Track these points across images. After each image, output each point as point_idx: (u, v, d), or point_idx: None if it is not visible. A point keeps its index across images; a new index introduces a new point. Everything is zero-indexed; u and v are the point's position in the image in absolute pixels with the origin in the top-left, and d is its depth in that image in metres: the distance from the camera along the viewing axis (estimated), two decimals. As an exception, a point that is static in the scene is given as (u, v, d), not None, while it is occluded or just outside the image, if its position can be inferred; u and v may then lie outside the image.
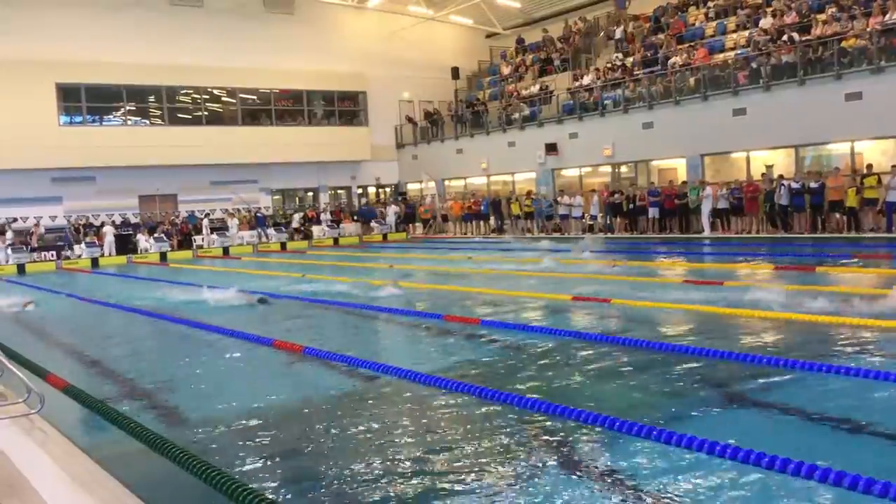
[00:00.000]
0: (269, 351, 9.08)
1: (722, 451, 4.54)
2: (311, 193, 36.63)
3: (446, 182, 35.80)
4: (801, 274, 13.31)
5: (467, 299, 12.41)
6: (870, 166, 20.01)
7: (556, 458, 5.02)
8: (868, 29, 20.96)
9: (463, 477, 4.79)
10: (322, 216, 33.39)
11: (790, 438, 5.21)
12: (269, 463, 5.29)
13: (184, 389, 7.75)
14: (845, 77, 21.05)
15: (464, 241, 28.98)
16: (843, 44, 21.29)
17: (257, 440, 5.84)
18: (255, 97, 34.14)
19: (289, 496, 4.73)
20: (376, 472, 4.96)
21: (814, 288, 11.20)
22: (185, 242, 29.79)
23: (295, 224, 32.86)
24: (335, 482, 4.82)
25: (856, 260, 15.07)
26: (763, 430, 5.45)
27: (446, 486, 4.67)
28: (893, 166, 19.44)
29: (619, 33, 31.13)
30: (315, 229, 32.49)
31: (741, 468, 4.41)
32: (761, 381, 6.62)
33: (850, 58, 21.08)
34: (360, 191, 37.41)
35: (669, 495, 4.31)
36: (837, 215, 20.40)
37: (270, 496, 4.27)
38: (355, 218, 34.28)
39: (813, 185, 20.45)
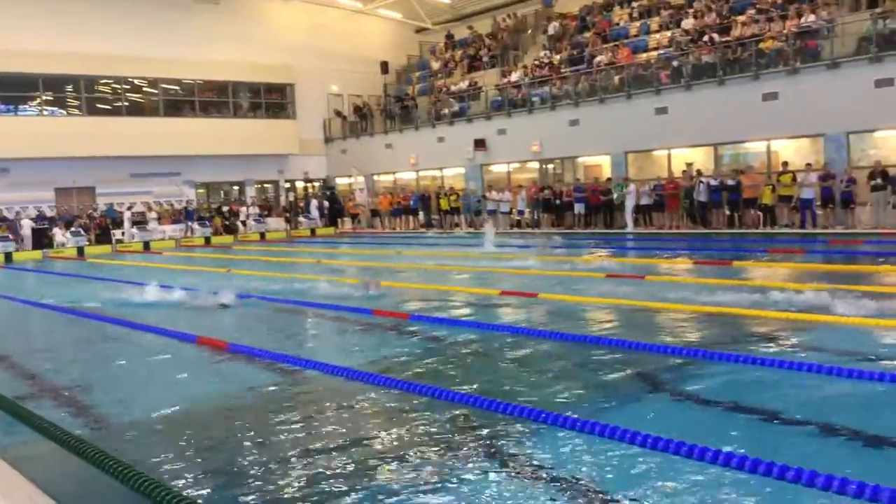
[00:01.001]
0: (192, 348, 8.87)
1: (644, 441, 4.65)
2: (236, 187, 35.93)
3: (375, 177, 35.63)
4: (718, 268, 13.73)
5: (396, 294, 12.37)
6: (785, 164, 20.78)
7: (482, 451, 5.04)
8: (785, 31, 21.76)
9: (388, 472, 4.76)
10: (248, 210, 32.77)
11: (709, 427, 5.35)
12: (190, 463, 5.16)
13: (101, 388, 7.50)
14: (763, 77, 21.81)
15: (392, 235, 28.93)
16: (761, 45, 22.06)
17: (179, 439, 5.69)
18: (177, 88, 33.29)
19: (211, 496, 4.61)
20: (301, 469, 4.90)
21: (730, 282, 11.57)
22: (103, 237, 28.81)
23: (242, 217, 32.12)
24: (258, 480, 4.74)
25: (770, 255, 15.63)
26: (683, 420, 5.59)
27: (372, 480, 4.64)
28: (808, 164, 20.25)
29: (552, 29, 31.46)
30: (241, 223, 31.89)
31: (665, 458, 4.51)
32: (682, 372, 6.79)
33: (767, 59, 21.85)
34: (287, 185, 36.90)
35: (595, 486, 4.38)
36: (753, 211, 21.13)
37: (190, 495, 4.17)
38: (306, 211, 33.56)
39: (730, 182, 21.13)
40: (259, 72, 34.51)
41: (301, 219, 33.15)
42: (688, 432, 4.74)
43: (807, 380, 6.21)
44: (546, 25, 32.22)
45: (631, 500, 4.16)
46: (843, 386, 5.99)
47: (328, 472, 4.80)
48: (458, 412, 5.82)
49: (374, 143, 34.92)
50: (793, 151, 22.08)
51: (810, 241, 17.81)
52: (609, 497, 4.22)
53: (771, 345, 7.66)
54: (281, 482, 4.69)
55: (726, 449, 4.42)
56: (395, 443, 5.30)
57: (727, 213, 21.61)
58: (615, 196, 23.80)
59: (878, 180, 18.61)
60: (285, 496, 4.48)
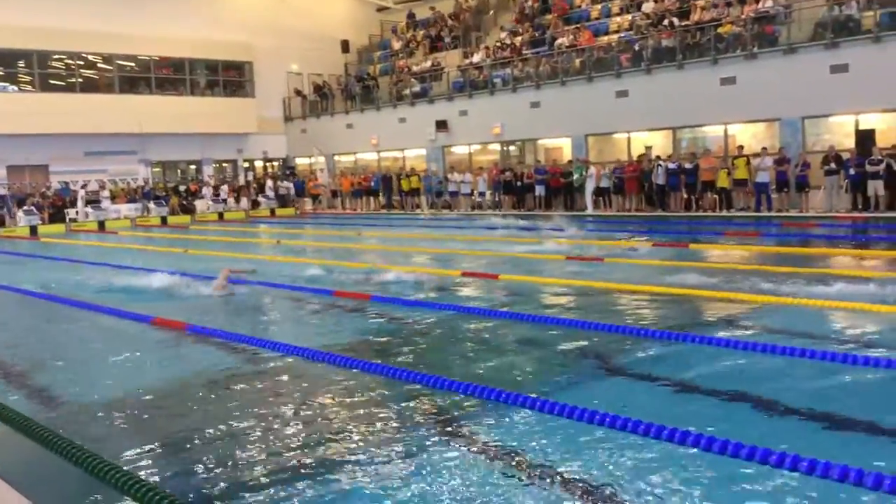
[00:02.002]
0: (149, 329, 8.75)
1: (602, 420, 4.72)
2: (193, 166, 35.38)
3: (336, 157, 35.37)
4: (676, 250, 13.93)
5: (358, 274, 12.34)
6: (741, 148, 21.10)
7: (439, 429, 5.08)
8: (743, 16, 22.02)
9: (349, 451, 4.77)
10: (205, 190, 32.29)
11: (666, 406, 5.46)
12: (147, 444, 5.11)
13: (55, 370, 7.38)
14: (721, 62, 22.06)
15: (353, 216, 28.80)
16: (720, 30, 22.30)
17: (135, 421, 5.63)
18: (133, 64, 32.56)
19: (168, 477, 4.58)
20: (261, 449, 4.88)
21: (688, 263, 11.76)
22: (57, 216, 28.18)
23: (223, 195, 31.64)
24: (216, 460, 4.71)
25: (726, 237, 15.89)
26: (640, 399, 5.69)
27: (332, 461, 4.65)
28: (763, 149, 20.58)
29: (518, 6, 31.34)
30: (198, 203, 31.45)
31: (620, 436, 4.59)
32: (639, 352, 6.90)
33: (725, 44, 22.11)
34: (246, 164, 36.43)
35: (553, 464, 4.44)
36: (710, 195, 21.44)
37: (146, 478, 4.13)
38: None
39: (688, 165, 21.40)
40: (217, 49, 33.89)
41: (261, 199, 32.78)
42: (640, 410, 4.82)
43: (759, 359, 6.35)
44: (514, 4, 32.07)
45: (583, 477, 4.23)
46: (795, 365, 6.13)
47: (286, 452, 4.80)
48: (415, 391, 5.85)
49: (335, 122, 34.62)
50: (749, 136, 22.41)
51: (765, 225, 18.15)
52: (563, 475, 4.28)
53: (726, 325, 7.81)
54: (239, 462, 4.67)
55: (676, 426, 4.50)
56: (353, 422, 5.31)
57: (685, 196, 21.90)
58: (575, 179, 23.95)
59: (832, 165, 19.00)
60: (243, 475, 4.47)
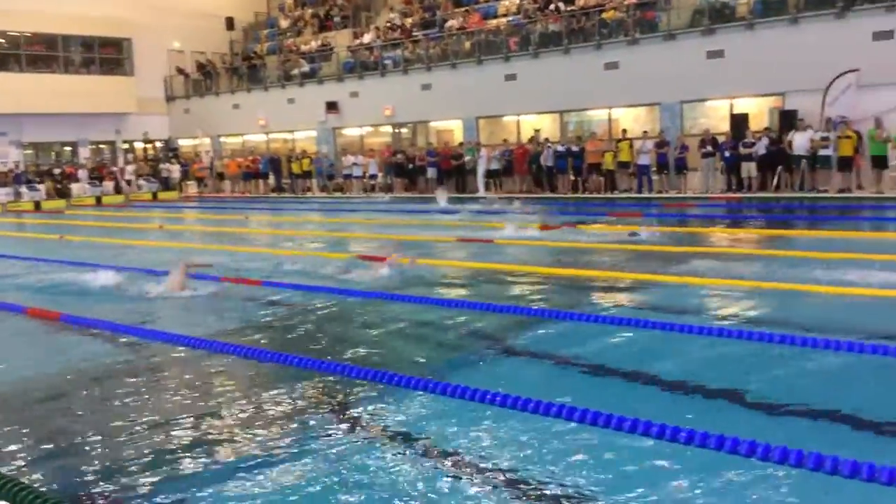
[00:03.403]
0: (22, 320, 8.26)
1: (493, 399, 4.78)
2: (69, 148, 33.55)
3: (222, 139, 34.34)
4: (563, 231, 14.26)
5: (246, 260, 12.04)
6: (624, 132, 21.81)
7: (332, 415, 5.03)
8: (626, 2, 22.65)
9: (237, 440, 4.66)
10: (81, 173, 30.68)
11: (548, 381, 5.60)
12: (20, 442, 4.82)
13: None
14: (605, 47, 22.66)
15: (241, 200, 28.08)
16: (604, 15, 22.88)
17: (7, 418, 5.30)
18: (2, 40, 30.48)
19: (44, 475, 4.34)
20: (142, 443, 4.69)
21: (575, 244, 12.07)
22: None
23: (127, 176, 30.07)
24: (96, 456, 4.50)
25: (611, 217, 16.40)
26: (530, 377, 5.81)
27: (219, 449, 4.52)
28: (644, 132, 21.33)
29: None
30: (74, 187, 29.88)
31: (512, 415, 4.67)
32: (528, 330, 7.04)
33: (609, 29, 22.71)
34: (126, 146, 34.81)
35: (447, 445, 4.47)
36: (596, 177, 22.07)
37: (22, 479, 3.90)
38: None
39: (574, 148, 21.94)
40: (92, 25, 32.10)
41: (141, 182, 31.48)
42: (530, 387, 4.92)
43: (639, 335, 6.59)
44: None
45: (480, 456, 4.28)
46: (667, 339, 6.39)
47: (172, 445, 4.63)
48: (307, 376, 5.76)
49: (221, 102, 33.57)
50: (632, 119, 23.17)
51: (646, 206, 18.82)
52: (459, 455, 4.32)
53: (607, 302, 8.07)
54: (121, 456, 4.47)
55: (560, 401, 4.61)
56: (243, 410, 5.19)
57: (572, 178, 22.46)
58: (467, 161, 24.14)
59: (708, 148, 19.89)
60: (127, 470, 4.28)
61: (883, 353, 5.49)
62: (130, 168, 32.11)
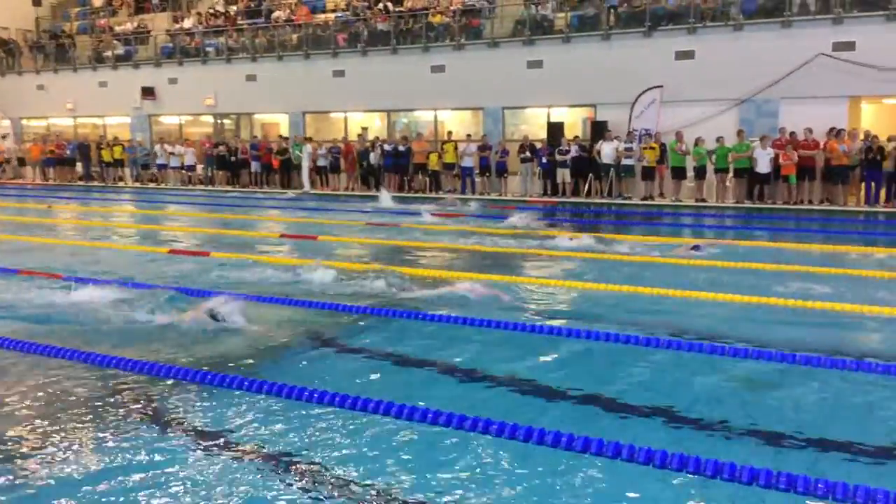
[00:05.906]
0: None
1: (310, 397, 4.77)
2: None
3: (24, 121, 31.68)
4: (386, 229, 14.36)
5: (49, 251, 11.19)
6: (450, 133, 22.33)
7: (140, 416, 4.80)
8: (452, 7, 23.20)
9: (34, 445, 4.33)
10: None
11: (383, 379, 5.65)
12: None
13: None
14: (432, 50, 23.09)
15: (45, 187, 26.04)
16: (431, 19, 23.30)
17: None
18: None
19: None
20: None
21: (400, 243, 12.21)
22: None
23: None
24: None
25: (437, 218, 16.71)
26: (356, 375, 5.81)
27: (15, 455, 4.19)
28: (468, 135, 21.94)
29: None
30: None
31: (334, 412, 4.67)
32: (351, 328, 7.06)
33: (436, 33, 23.17)
34: None
35: (263, 444, 4.39)
36: (421, 177, 22.43)
37: None
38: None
39: (401, 148, 22.19)
40: None
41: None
42: (355, 385, 4.94)
43: (462, 332, 6.79)
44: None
45: (304, 455, 4.25)
46: (486, 335, 6.64)
47: (-43, 454, 4.24)
48: (114, 376, 5.46)
49: (24, 82, 30.96)
50: (458, 122, 23.76)
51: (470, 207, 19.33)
52: (277, 453, 4.26)
53: (435, 302, 8.24)
54: None
55: (381, 399, 4.67)
56: (41, 414, 4.83)
57: (398, 177, 22.67)
58: (294, 156, 23.73)
59: (527, 153, 20.78)
60: None
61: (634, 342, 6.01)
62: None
